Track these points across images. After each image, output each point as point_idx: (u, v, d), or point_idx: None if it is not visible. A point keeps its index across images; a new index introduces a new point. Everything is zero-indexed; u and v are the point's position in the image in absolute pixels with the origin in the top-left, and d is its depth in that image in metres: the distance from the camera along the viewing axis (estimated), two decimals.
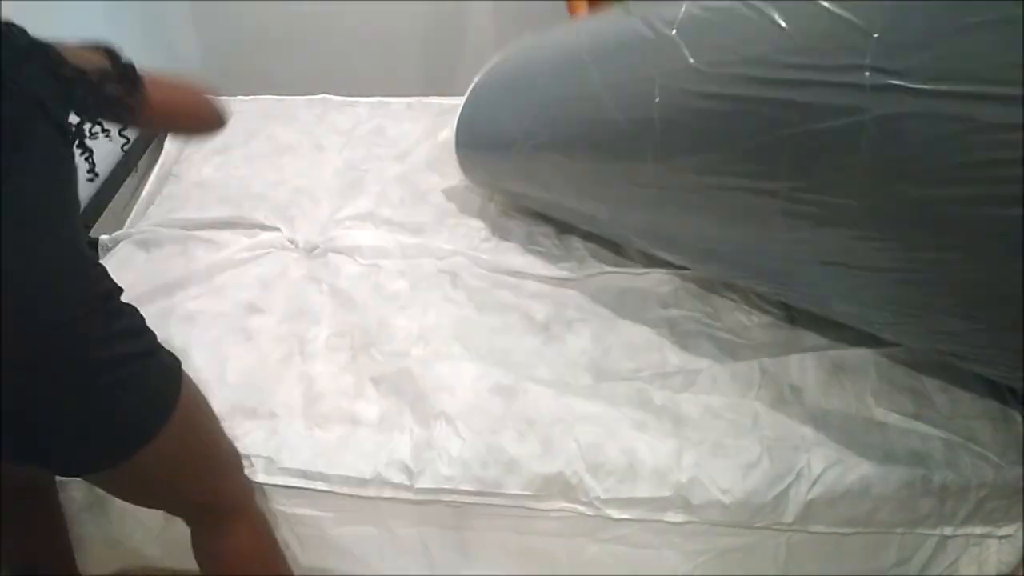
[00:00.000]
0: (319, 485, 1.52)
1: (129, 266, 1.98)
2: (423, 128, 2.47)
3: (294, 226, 2.10)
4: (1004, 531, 1.51)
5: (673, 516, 1.48)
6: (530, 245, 2.03)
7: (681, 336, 1.76)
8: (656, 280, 1.89)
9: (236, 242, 2.04)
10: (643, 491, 1.47)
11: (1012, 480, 1.45)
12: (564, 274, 1.93)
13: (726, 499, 1.46)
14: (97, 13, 2.33)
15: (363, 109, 2.59)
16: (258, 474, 1.53)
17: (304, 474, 1.52)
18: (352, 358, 1.73)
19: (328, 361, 1.72)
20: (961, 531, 1.51)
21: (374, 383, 1.67)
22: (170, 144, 2.41)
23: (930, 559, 1.54)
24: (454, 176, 2.20)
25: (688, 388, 1.64)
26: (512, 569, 1.57)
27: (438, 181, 2.24)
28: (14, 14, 1.81)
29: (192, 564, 1.46)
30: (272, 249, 2.02)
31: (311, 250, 2.03)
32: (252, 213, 2.13)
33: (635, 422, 1.56)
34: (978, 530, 1.51)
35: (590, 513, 1.49)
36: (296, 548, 1.58)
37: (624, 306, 1.84)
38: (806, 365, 1.65)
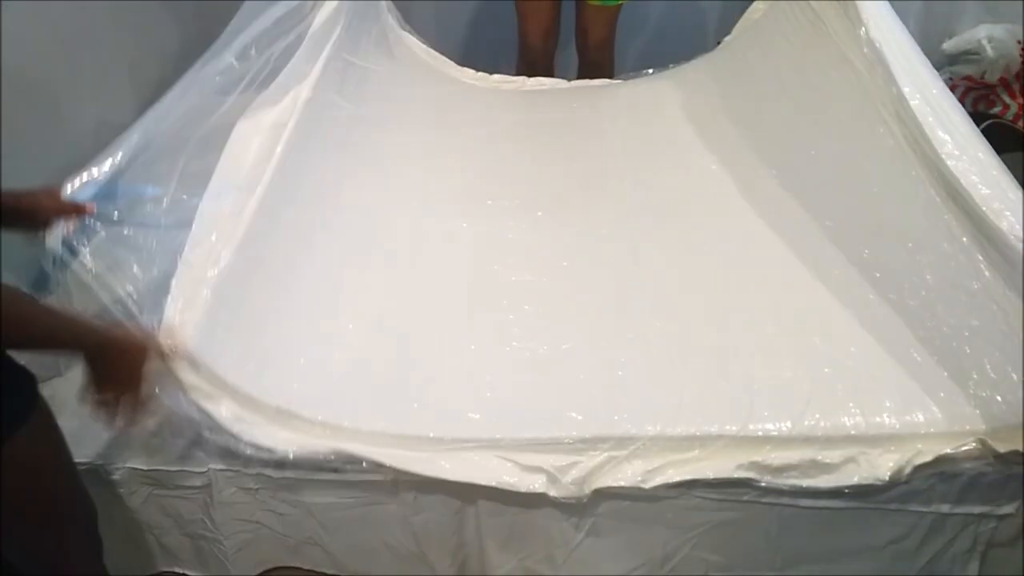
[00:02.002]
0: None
1: None
2: None
3: None
4: (1004, 510, 1.51)
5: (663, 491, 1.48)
6: None
7: None
8: None
9: None
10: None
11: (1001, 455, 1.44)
12: None
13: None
14: (97, 12, 2.35)
15: None
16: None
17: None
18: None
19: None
20: (959, 509, 1.50)
21: None
22: None
23: (925, 538, 1.54)
24: None
25: None
26: (510, 551, 1.59)
27: None
28: (15, 13, 1.83)
29: None
30: None
31: None
32: None
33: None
34: (976, 509, 1.50)
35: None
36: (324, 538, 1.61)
37: None
38: None
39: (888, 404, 1.51)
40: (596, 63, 2.89)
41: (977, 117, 3.00)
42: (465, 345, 1.74)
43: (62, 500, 1.30)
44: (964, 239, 1.56)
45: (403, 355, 1.70)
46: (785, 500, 1.49)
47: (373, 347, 1.71)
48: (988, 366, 1.48)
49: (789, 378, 1.59)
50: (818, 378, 1.58)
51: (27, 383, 1.19)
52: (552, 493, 1.46)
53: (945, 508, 1.51)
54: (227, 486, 1.57)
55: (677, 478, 1.46)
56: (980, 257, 1.52)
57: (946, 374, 1.54)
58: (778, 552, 1.56)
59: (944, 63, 3.06)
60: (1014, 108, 3.02)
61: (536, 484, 1.47)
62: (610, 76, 2.90)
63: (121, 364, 1.22)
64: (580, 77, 2.93)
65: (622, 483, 1.46)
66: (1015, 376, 1.42)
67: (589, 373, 1.65)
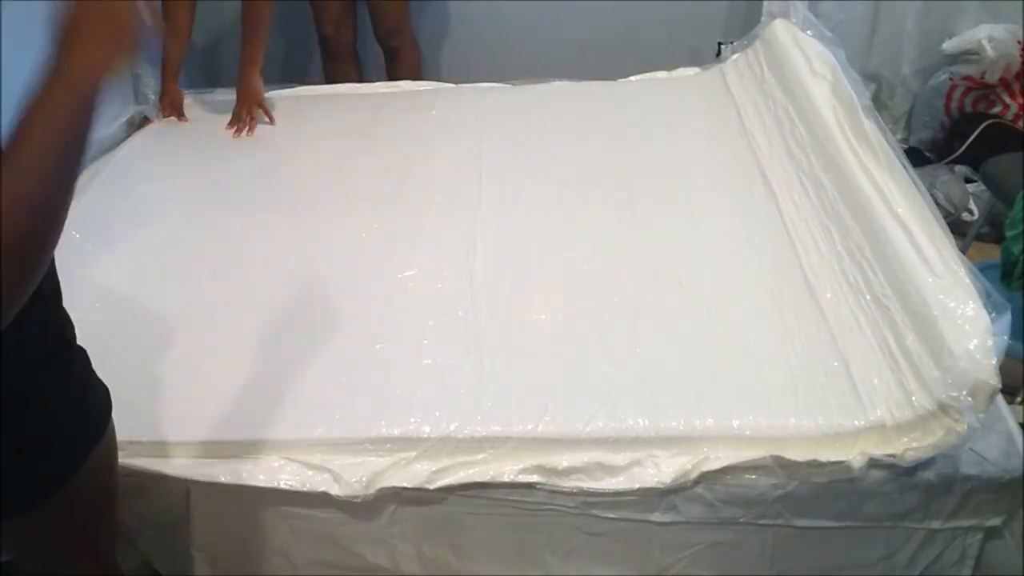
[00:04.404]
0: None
1: None
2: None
3: None
4: (991, 522, 1.52)
5: (660, 516, 1.49)
6: None
7: None
8: None
9: None
10: (630, 493, 1.47)
11: (996, 475, 1.46)
12: None
13: (709, 496, 1.47)
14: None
15: None
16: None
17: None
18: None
19: None
20: (949, 524, 1.52)
21: None
22: None
23: (916, 553, 1.55)
24: None
25: None
26: (502, 565, 1.59)
27: None
28: (16, 9, 1.81)
29: None
30: None
31: None
32: None
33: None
34: (966, 523, 1.52)
35: (575, 513, 1.50)
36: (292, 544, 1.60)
37: None
38: None
39: (679, 408, 1.52)
40: (397, 55, 3.02)
41: (977, 117, 3.02)
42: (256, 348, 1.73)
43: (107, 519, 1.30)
44: None
45: (189, 361, 1.70)
46: (780, 522, 1.49)
47: (159, 356, 1.71)
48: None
49: (585, 380, 1.59)
50: (613, 380, 1.59)
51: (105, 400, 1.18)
52: (335, 492, 1.47)
53: (936, 524, 1.52)
54: None
55: (463, 480, 1.47)
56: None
57: (746, 383, 1.56)
58: (772, 568, 1.57)
59: (944, 63, 3.06)
60: (1014, 108, 3.01)
61: (320, 484, 1.48)
62: (415, 65, 3.04)
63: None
64: (387, 69, 3.08)
65: (406, 484, 1.47)
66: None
67: (391, 373, 1.64)
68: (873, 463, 1.43)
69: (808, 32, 2.31)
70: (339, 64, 3.04)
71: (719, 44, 2.96)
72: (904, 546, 1.54)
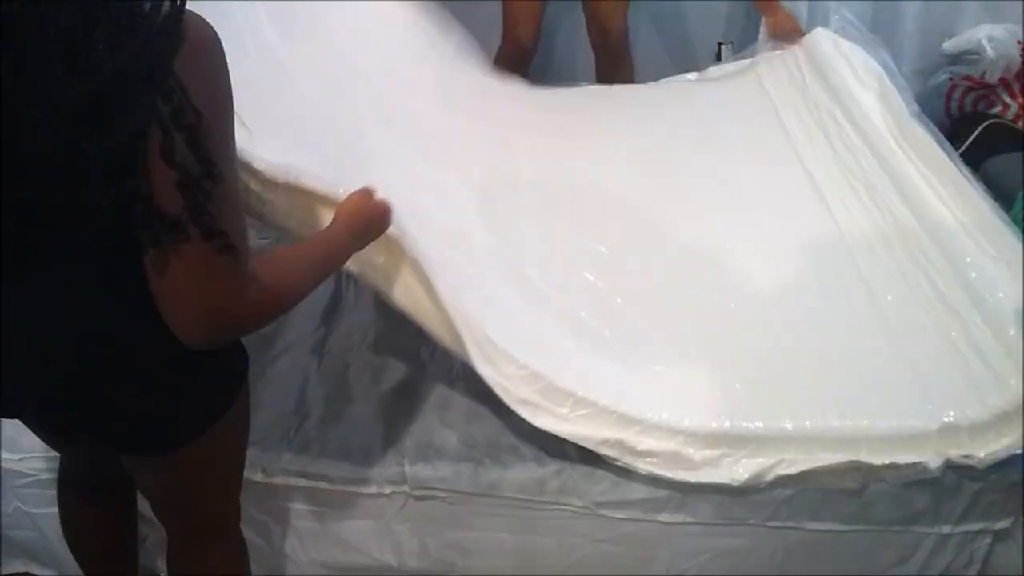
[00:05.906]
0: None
1: None
2: None
3: None
4: (1000, 525, 1.52)
5: (668, 517, 1.49)
6: None
7: None
8: None
9: None
10: (638, 493, 1.48)
11: (1005, 475, 1.46)
12: None
13: (718, 495, 1.46)
14: None
15: None
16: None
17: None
18: None
19: None
20: (959, 528, 1.51)
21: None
22: None
23: (929, 558, 1.54)
24: None
25: None
26: (507, 566, 1.59)
27: None
28: None
29: None
30: None
31: None
32: None
33: None
34: (976, 526, 1.52)
35: (583, 514, 1.50)
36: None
37: None
38: None
39: (754, 409, 1.48)
40: (617, 57, 2.81)
41: (977, 117, 3.01)
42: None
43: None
44: None
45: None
46: (791, 524, 1.49)
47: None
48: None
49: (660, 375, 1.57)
50: (688, 378, 1.56)
51: (241, 359, 1.22)
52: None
53: (947, 529, 1.52)
54: None
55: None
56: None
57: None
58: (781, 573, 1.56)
59: (944, 63, 3.05)
60: (1014, 108, 3.00)
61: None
62: (631, 71, 2.83)
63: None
64: (600, 75, 2.85)
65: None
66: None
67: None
68: (950, 464, 1.41)
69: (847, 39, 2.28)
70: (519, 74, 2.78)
71: (719, 44, 2.96)
72: (916, 552, 1.54)
